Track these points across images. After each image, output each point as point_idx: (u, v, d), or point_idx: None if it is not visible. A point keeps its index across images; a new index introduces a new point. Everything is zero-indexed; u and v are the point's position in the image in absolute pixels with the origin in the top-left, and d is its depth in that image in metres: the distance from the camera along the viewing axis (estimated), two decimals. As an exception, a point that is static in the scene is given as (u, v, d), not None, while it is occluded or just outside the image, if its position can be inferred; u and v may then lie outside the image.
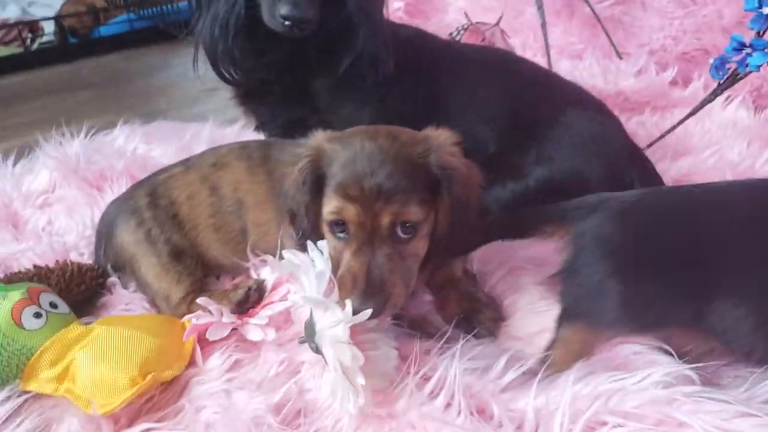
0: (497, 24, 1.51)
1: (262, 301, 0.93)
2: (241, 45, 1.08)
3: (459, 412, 0.70)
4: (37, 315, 0.81)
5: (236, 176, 0.98)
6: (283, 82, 1.16)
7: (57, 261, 1.02)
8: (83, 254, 1.08)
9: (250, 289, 0.92)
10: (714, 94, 1.19)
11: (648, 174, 1.16)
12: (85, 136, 1.48)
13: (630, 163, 1.15)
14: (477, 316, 0.87)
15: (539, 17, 1.49)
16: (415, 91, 1.18)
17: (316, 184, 0.79)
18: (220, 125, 1.57)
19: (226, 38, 1.07)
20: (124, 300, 0.99)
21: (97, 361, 0.78)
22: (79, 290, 0.97)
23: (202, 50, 1.11)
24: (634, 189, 0.99)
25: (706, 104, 1.22)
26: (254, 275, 0.98)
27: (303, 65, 1.13)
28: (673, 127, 1.28)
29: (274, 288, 0.94)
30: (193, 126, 1.56)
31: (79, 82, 2.42)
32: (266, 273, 0.96)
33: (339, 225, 0.77)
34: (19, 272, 0.98)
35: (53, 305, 0.85)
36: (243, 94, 1.24)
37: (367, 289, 0.73)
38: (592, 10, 1.53)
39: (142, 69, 2.61)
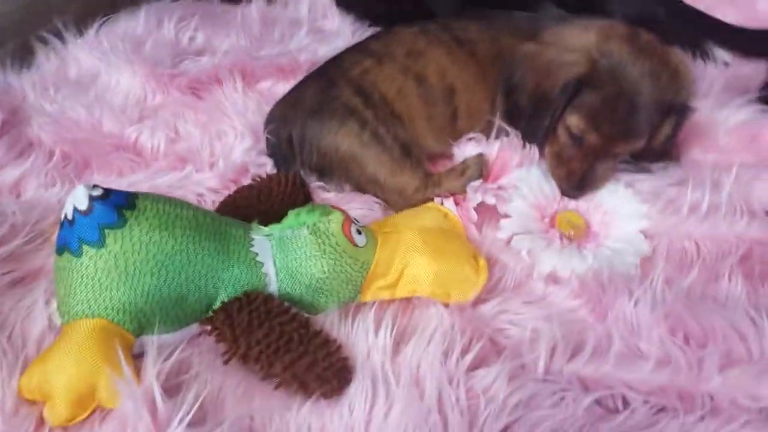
0: None
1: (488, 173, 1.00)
2: None
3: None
4: (358, 231, 0.80)
5: (439, 64, 0.99)
6: None
7: (260, 177, 0.95)
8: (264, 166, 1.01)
9: (478, 161, 0.97)
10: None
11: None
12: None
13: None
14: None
15: None
16: None
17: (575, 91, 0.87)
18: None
19: None
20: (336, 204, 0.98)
21: (434, 261, 0.81)
22: (297, 202, 0.94)
23: None
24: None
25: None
26: (458, 155, 1.03)
27: None
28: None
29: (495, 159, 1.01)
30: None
31: None
32: (471, 149, 1.02)
33: (573, 134, 0.89)
34: (243, 188, 0.94)
35: (355, 219, 0.83)
36: None
37: (578, 185, 0.91)
38: None
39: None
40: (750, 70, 1.19)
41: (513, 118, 0.98)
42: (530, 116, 0.94)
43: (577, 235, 0.92)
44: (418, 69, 0.98)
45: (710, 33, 1.14)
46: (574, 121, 0.88)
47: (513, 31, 1.00)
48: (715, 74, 1.18)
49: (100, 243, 0.68)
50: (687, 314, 0.78)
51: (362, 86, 0.96)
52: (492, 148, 1.00)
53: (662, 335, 0.76)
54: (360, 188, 0.99)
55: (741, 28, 1.13)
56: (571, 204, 0.95)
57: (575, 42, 0.90)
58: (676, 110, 0.90)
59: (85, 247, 0.68)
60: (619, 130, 0.86)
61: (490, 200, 0.92)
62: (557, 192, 0.95)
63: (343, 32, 1.34)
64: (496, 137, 1.00)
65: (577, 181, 0.90)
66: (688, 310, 0.79)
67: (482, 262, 0.85)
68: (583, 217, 0.94)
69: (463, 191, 0.96)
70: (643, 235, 0.91)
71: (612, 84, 0.85)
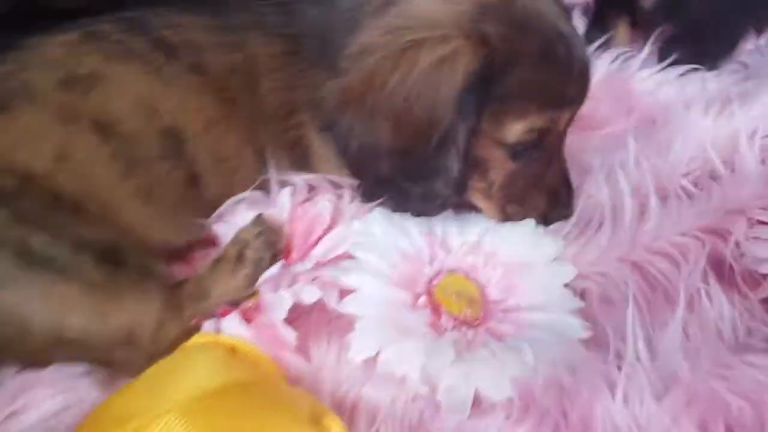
0: None
1: (288, 248, 0.56)
2: None
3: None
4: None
5: (136, 93, 0.54)
6: None
7: None
8: None
9: (262, 231, 0.54)
10: None
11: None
12: None
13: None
14: None
15: None
16: None
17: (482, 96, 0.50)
18: None
19: None
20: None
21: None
22: None
23: None
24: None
25: None
26: (224, 232, 0.58)
27: None
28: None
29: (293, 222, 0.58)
30: None
31: None
32: (244, 216, 0.58)
33: (527, 144, 0.54)
34: None
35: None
36: None
37: (569, 194, 0.58)
38: None
39: None
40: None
41: (377, 196, 0.57)
42: (413, 179, 0.53)
43: (476, 313, 0.52)
44: (94, 108, 0.52)
45: None
46: (519, 127, 0.52)
47: (266, 28, 0.59)
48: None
49: None
50: (718, 386, 0.43)
51: None
52: (282, 202, 0.58)
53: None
54: (37, 360, 0.48)
55: None
56: (448, 260, 0.55)
57: (431, 18, 0.51)
58: None
59: None
60: (585, 78, 0.54)
61: (310, 296, 0.48)
62: (423, 240, 0.56)
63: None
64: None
65: (568, 196, 0.57)
66: (713, 380, 0.43)
67: (334, 422, 0.41)
68: (473, 279, 0.55)
69: (250, 291, 0.53)
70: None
71: (528, 35, 0.50)
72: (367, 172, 0.55)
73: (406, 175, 0.53)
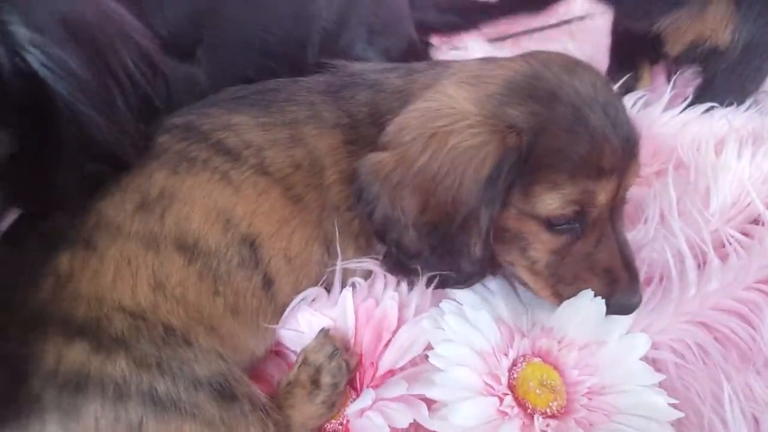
0: None
1: (360, 361, 0.54)
2: None
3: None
4: None
5: (212, 203, 0.53)
6: None
7: None
8: None
9: (334, 353, 0.53)
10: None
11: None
12: None
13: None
14: None
15: None
16: None
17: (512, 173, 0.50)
18: None
19: None
20: None
21: None
22: None
23: None
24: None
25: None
26: (291, 340, 0.56)
27: None
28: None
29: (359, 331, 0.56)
30: None
31: None
32: (308, 323, 0.56)
33: (566, 217, 0.52)
34: None
35: None
36: None
37: (632, 279, 0.53)
38: None
39: None
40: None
41: (402, 268, 0.57)
42: (438, 254, 0.53)
43: (561, 401, 0.51)
44: (176, 230, 0.51)
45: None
46: (551, 199, 0.50)
47: (321, 120, 0.58)
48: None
49: None
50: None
51: (71, 316, 0.45)
52: (345, 304, 0.56)
53: None
54: None
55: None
56: (523, 344, 0.54)
57: (458, 107, 0.51)
58: None
59: None
60: (623, 144, 0.50)
61: (403, 419, 0.47)
62: (496, 331, 0.54)
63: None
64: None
65: (628, 278, 0.53)
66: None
67: None
68: (551, 364, 0.53)
69: (330, 414, 0.52)
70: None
71: (554, 107, 0.49)
72: (390, 240, 0.55)
73: (432, 249, 0.53)
